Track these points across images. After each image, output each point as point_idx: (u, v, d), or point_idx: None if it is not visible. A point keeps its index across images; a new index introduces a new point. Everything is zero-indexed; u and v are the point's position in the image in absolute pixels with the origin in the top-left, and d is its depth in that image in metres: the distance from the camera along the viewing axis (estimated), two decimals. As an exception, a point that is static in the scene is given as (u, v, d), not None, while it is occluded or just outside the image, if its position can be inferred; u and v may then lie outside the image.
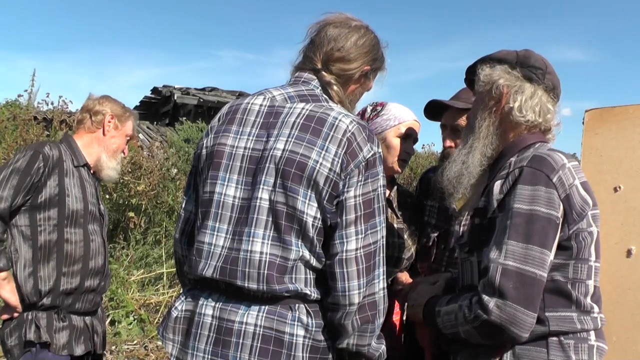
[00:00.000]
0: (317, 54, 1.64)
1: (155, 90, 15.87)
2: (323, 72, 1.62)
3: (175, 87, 15.03)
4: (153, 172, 6.79)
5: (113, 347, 4.73)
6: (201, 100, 14.19)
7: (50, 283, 2.35)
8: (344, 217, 1.46)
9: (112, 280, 5.72)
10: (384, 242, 1.53)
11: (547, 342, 1.47)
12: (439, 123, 2.30)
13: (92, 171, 2.60)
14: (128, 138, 2.70)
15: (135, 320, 5.30)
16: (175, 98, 14.42)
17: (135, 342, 4.92)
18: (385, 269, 1.53)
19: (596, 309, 1.54)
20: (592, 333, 1.51)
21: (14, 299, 2.33)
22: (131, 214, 6.46)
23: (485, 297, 1.43)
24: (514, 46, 1.69)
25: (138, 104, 16.95)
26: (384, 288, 1.51)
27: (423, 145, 11.59)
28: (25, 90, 8.66)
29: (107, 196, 6.44)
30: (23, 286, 2.34)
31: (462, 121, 2.13)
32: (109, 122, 2.61)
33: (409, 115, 2.26)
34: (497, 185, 1.54)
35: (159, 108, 16.24)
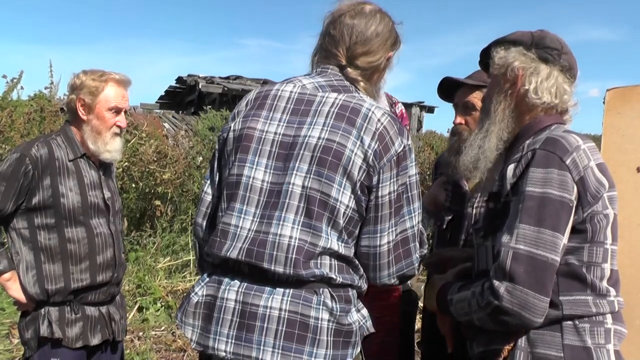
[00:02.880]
0: (339, 49, 1.64)
1: (180, 79, 15.97)
2: (349, 69, 1.64)
3: (200, 76, 15.09)
4: (178, 160, 6.86)
5: (141, 333, 4.83)
6: (226, 88, 14.24)
7: (59, 283, 2.32)
8: (379, 213, 1.52)
9: (140, 268, 5.83)
10: (419, 228, 1.60)
11: (562, 326, 1.45)
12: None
13: (91, 159, 2.45)
14: (113, 110, 2.42)
15: (163, 307, 5.38)
16: (200, 87, 14.48)
17: (162, 328, 5.00)
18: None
19: (613, 292, 1.50)
20: (609, 316, 1.49)
21: (23, 298, 2.33)
22: (157, 203, 6.54)
23: (496, 283, 1.42)
24: (538, 28, 1.67)
25: (163, 93, 17.11)
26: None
27: (448, 129, 11.48)
28: (52, 83, 8.80)
29: (134, 185, 6.53)
30: (28, 288, 2.31)
31: (472, 98, 2.16)
32: (81, 106, 2.39)
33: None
34: (511, 168, 1.52)
35: (184, 97, 16.36)
